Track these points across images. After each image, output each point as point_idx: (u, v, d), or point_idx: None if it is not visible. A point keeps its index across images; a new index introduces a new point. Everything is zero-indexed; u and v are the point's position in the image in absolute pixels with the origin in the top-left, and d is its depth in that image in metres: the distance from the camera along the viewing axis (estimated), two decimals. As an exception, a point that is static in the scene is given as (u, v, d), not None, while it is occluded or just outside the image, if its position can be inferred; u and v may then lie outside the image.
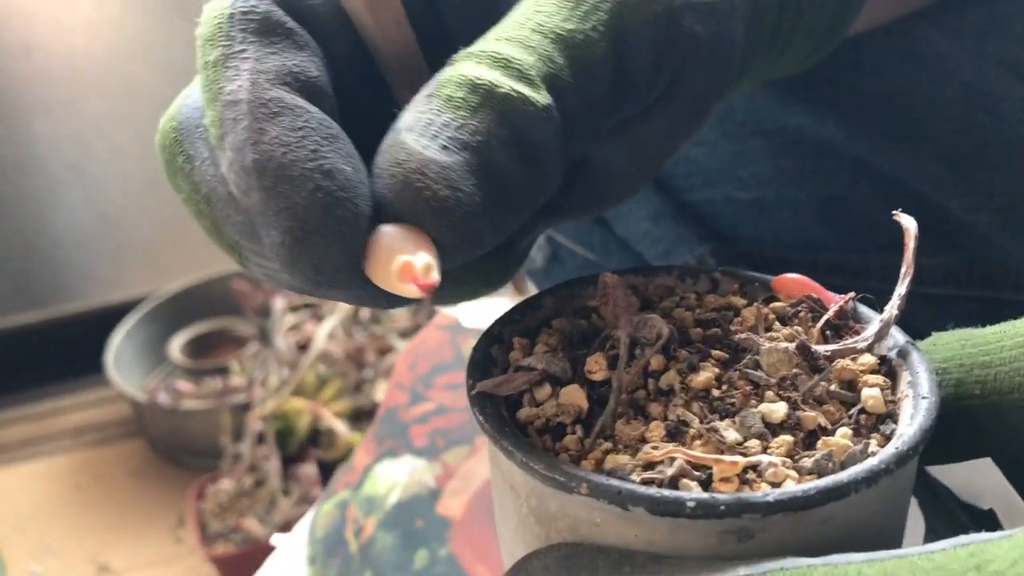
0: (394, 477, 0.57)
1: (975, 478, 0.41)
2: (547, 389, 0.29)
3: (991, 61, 0.54)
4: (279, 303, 1.29)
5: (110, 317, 1.55)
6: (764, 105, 0.57)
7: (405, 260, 0.25)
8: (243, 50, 0.27)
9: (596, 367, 0.29)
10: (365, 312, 1.24)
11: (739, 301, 0.32)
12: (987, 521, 0.39)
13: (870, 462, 0.25)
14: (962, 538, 0.23)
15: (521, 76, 0.28)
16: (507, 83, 0.27)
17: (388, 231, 0.26)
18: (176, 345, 1.52)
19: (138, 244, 1.64)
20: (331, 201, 0.26)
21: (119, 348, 1.49)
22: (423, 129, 0.26)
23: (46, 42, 1.49)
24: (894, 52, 0.55)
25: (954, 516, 0.40)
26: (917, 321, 0.32)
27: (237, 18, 0.28)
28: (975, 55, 0.54)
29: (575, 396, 0.28)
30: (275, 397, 1.21)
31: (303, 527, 0.59)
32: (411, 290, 0.25)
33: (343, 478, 0.60)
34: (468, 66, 0.27)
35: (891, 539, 0.27)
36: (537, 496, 0.26)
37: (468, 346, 0.63)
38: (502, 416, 0.28)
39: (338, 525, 0.58)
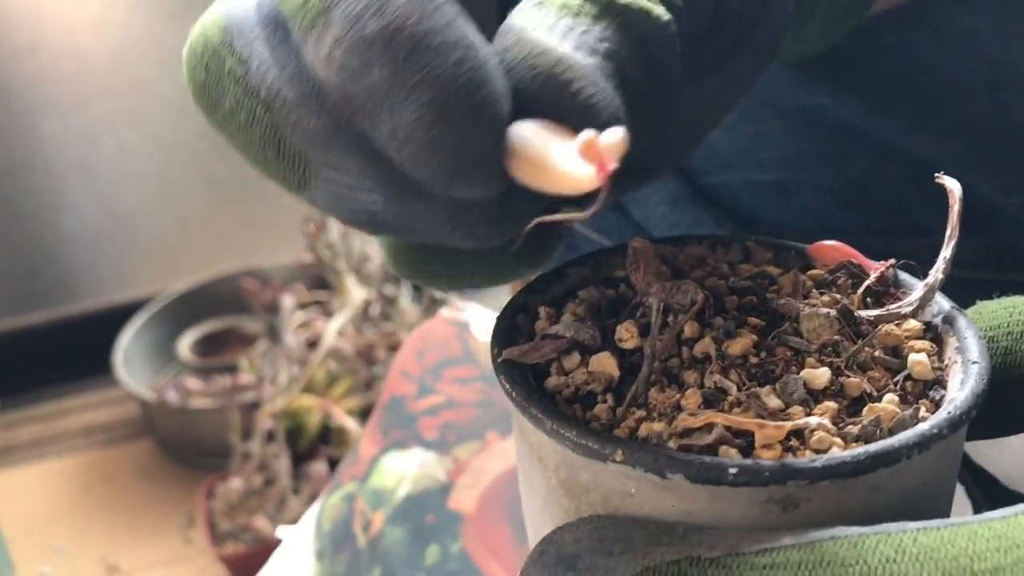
0: (403, 470, 0.56)
1: (1017, 465, 0.39)
2: (576, 357, 0.28)
3: (1017, 38, 0.52)
4: (288, 300, 1.28)
5: (118, 316, 1.55)
6: (784, 85, 0.56)
7: (591, 138, 0.22)
8: None
9: (627, 335, 0.27)
10: (375, 308, 1.24)
11: (774, 270, 0.31)
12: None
13: (921, 427, 0.24)
14: (1021, 507, 0.23)
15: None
16: None
17: (534, 125, 0.24)
18: (185, 344, 1.51)
19: (146, 243, 1.64)
20: (478, 75, 0.23)
21: (128, 348, 1.49)
22: (548, 30, 0.24)
23: (53, 41, 1.49)
24: (916, 30, 0.54)
25: (996, 504, 0.39)
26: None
27: None
28: (1000, 32, 0.53)
29: (606, 364, 0.27)
30: (285, 395, 1.20)
31: (309, 520, 0.58)
32: (589, 175, 0.22)
33: (348, 470, 0.59)
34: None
35: (941, 512, 0.26)
36: (567, 467, 0.25)
37: (477, 342, 0.62)
38: (530, 384, 0.26)
39: (345, 518, 0.57)
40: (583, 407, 0.27)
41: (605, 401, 0.26)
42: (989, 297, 0.31)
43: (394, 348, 1.23)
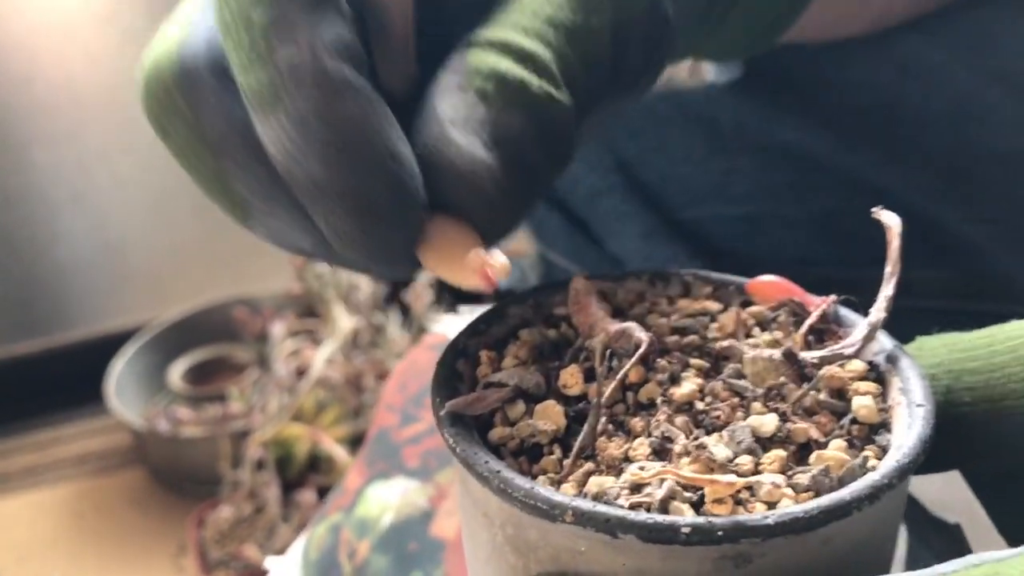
0: (386, 499, 0.57)
1: (942, 490, 0.40)
2: (520, 406, 0.27)
3: (981, 73, 0.54)
4: (278, 328, 1.29)
5: (111, 345, 1.55)
6: (753, 122, 0.57)
7: (481, 256, 0.26)
8: (294, 16, 0.27)
9: (572, 381, 0.27)
10: (364, 337, 1.24)
11: (713, 306, 0.31)
12: (953, 535, 0.38)
13: (871, 477, 0.24)
14: (972, 558, 0.23)
15: (545, 73, 0.28)
16: (535, 81, 0.28)
17: (446, 222, 0.27)
18: (176, 372, 1.52)
19: (139, 272, 1.64)
20: (399, 184, 0.26)
21: (120, 376, 1.49)
22: (464, 124, 0.27)
23: (47, 73, 1.50)
24: (884, 64, 0.55)
25: (924, 530, 0.40)
26: (913, 335, 0.31)
27: None
28: (966, 67, 0.54)
29: (552, 414, 0.27)
30: (274, 423, 1.21)
31: (296, 550, 0.59)
32: (480, 283, 0.26)
33: (336, 501, 0.60)
34: (493, 57, 0.28)
35: (887, 556, 0.26)
36: (515, 524, 0.25)
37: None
38: (474, 438, 0.26)
39: (331, 548, 0.58)
40: (529, 460, 0.26)
41: (552, 453, 0.26)
42: (956, 326, 0.31)
43: (382, 376, 1.24)
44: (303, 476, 1.23)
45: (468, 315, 0.60)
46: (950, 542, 0.40)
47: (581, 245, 0.63)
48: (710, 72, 0.58)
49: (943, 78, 0.54)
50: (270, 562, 0.61)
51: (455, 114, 0.27)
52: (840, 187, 0.56)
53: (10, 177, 1.53)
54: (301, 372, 1.26)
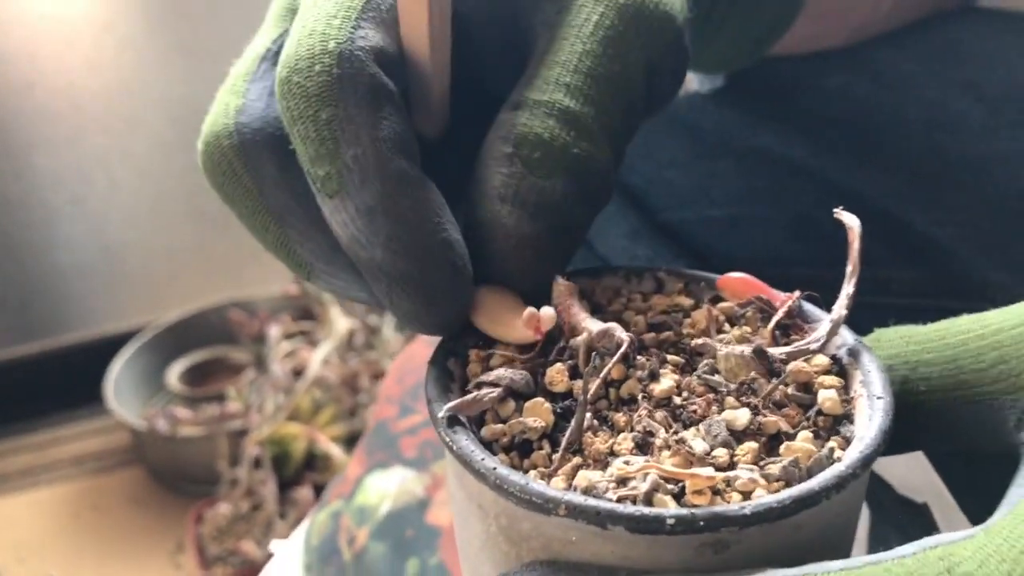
0: (385, 488, 0.59)
1: (909, 472, 0.42)
2: (511, 404, 0.28)
3: (952, 83, 0.56)
4: (274, 330, 1.31)
5: (109, 347, 1.57)
6: (734, 128, 0.59)
7: (529, 314, 0.29)
8: (357, 114, 0.29)
9: (558, 379, 0.29)
10: (359, 338, 1.26)
11: (685, 301, 0.33)
12: (921, 514, 0.40)
13: (838, 468, 0.25)
14: (929, 540, 0.24)
15: (587, 133, 0.31)
16: (580, 144, 0.31)
17: (493, 292, 0.30)
18: (174, 373, 1.53)
19: (137, 275, 1.65)
20: (454, 271, 0.29)
21: (118, 377, 1.51)
22: (514, 198, 0.30)
23: (47, 79, 1.52)
24: (858, 75, 0.57)
25: (892, 509, 0.42)
26: None
27: (347, 82, 0.29)
28: (936, 77, 0.56)
29: (540, 412, 0.28)
30: (271, 423, 1.22)
31: (299, 536, 0.61)
32: (531, 337, 0.29)
33: (336, 489, 0.62)
34: (538, 122, 0.30)
35: (851, 536, 0.28)
36: (508, 516, 0.26)
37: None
38: (470, 437, 0.27)
39: (332, 534, 0.60)
40: (520, 455, 0.27)
41: (541, 448, 0.27)
42: (926, 322, 0.31)
43: (377, 376, 1.25)
44: (299, 474, 1.24)
45: None
46: (918, 520, 0.42)
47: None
48: (694, 82, 0.60)
49: (914, 88, 0.56)
50: (274, 545, 0.63)
51: (504, 190, 0.30)
52: (816, 191, 0.57)
53: (10, 182, 1.54)
54: (298, 373, 1.27)
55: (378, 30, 0.31)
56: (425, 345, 0.65)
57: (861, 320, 0.44)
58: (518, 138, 0.30)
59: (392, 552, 0.58)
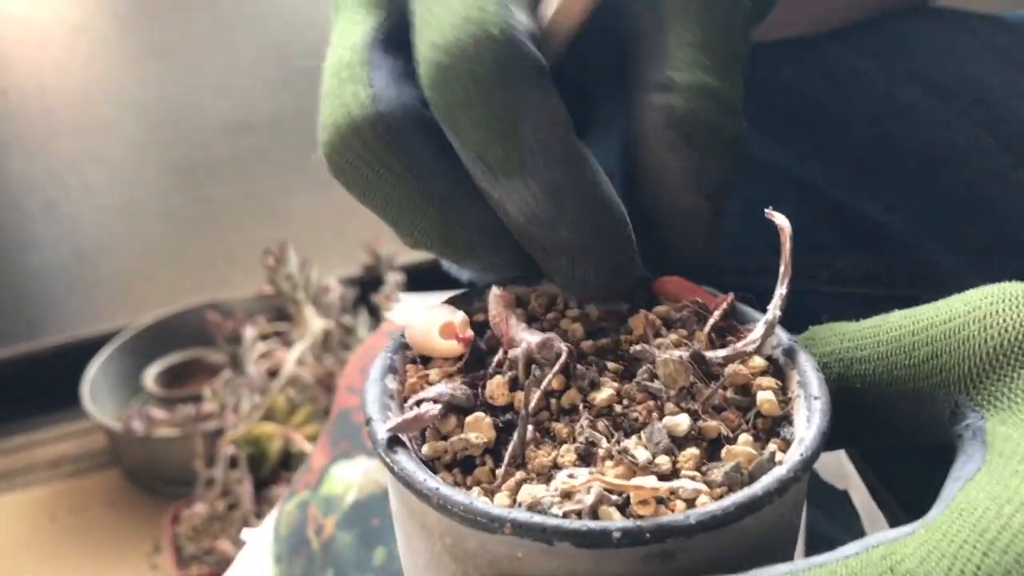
0: (349, 478, 0.60)
1: (829, 459, 0.43)
2: (452, 420, 0.28)
3: (901, 75, 0.57)
4: (250, 331, 1.31)
5: (85, 350, 1.56)
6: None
7: (447, 323, 0.30)
8: (533, 96, 0.30)
9: (498, 392, 0.28)
10: (334, 338, 1.27)
11: (622, 306, 0.33)
12: (843, 500, 0.41)
13: (779, 471, 0.25)
14: (870, 539, 0.24)
15: (735, 111, 0.32)
16: (732, 123, 0.32)
17: (424, 312, 0.31)
18: (150, 375, 1.53)
19: (112, 278, 1.65)
20: (631, 243, 0.31)
21: (94, 380, 1.50)
22: (687, 184, 0.32)
23: (20, 83, 1.51)
24: (809, 67, 0.58)
25: (819, 495, 0.43)
26: (840, 318, 0.33)
27: (516, 65, 0.30)
28: (886, 70, 0.57)
29: (482, 426, 0.28)
30: (247, 422, 1.22)
31: (268, 525, 0.62)
32: (457, 345, 0.30)
33: (303, 478, 0.63)
34: (695, 102, 0.32)
35: (795, 535, 0.28)
36: (453, 535, 0.26)
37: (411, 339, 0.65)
38: (411, 457, 0.27)
39: (300, 524, 0.61)
40: (462, 471, 0.27)
41: (484, 463, 0.27)
42: (880, 311, 0.32)
43: (352, 375, 1.26)
44: (275, 473, 1.25)
45: (416, 299, 0.63)
46: (842, 507, 0.43)
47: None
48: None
49: (862, 80, 0.57)
50: (246, 534, 0.64)
51: (682, 174, 0.31)
52: (770, 180, 0.58)
53: (-17, 186, 1.54)
54: (273, 373, 1.28)
55: (522, 10, 0.31)
56: (385, 337, 0.66)
57: (815, 308, 0.46)
58: (682, 121, 0.31)
59: (359, 541, 0.59)
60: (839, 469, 0.41)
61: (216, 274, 1.67)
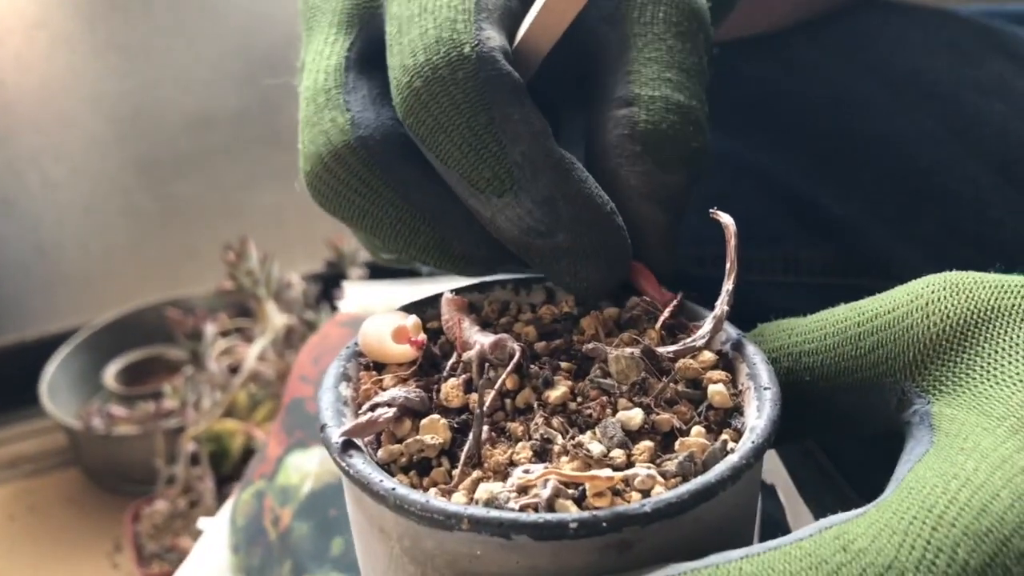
0: (305, 467, 0.60)
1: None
2: (407, 424, 0.28)
3: (859, 68, 0.58)
4: (211, 327, 1.31)
5: (43, 349, 1.55)
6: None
7: (400, 327, 0.30)
8: (512, 114, 0.30)
9: (453, 395, 0.29)
10: (296, 334, 1.27)
11: (575, 309, 0.34)
12: (772, 494, 0.42)
13: (731, 459, 0.26)
14: (823, 521, 0.25)
15: (699, 125, 0.34)
16: (696, 138, 0.33)
17: (376, 319, 0.31)
18: (110, 373, 1.52)
19: (71, 275, 1.64)
20: (624, 233, 0.31)
21: (53, 378, 1.49)
22: (649, 195, 0.32)
23: (-23, 78, 1.50)
24: (770, 61, 0.59)
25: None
26: (800, 310, 0.34)
27: (492, 84, 0.30)
28: (843, 62, 0.58)
29: (437, 429, 0.28)
30: (208, 419, 1.22)
31: (224, 514, 0.61)
32: (410, 350, 0.30)
33: (258, 468, 0.62)
34: (658, 116, 0.33)
35: (750, 523, 0.29)
36: (411, 536, 0.26)
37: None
38: (366, 460, 0.27)
39: (256, 514, 0.60)
40: (419, 473, 0.27)
41: (440, 465, 0.27)
42: (838, 301, 0.33)
43: (314, 371, 1.25)
44: (237, 470, 1.23)
45: (362, 288, 0.63)
46: (768, 501, 0.44)
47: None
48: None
49: (822, 73, 0.58)
50: (202, 523, 0.63)
51: (644, 188, 0.32)
52: (729, 172, 0.59)
53: (-59, 182, 1.53)
54: (234, 369, 1.27)
55: (494, 28, 0.31)
56: (339, 327, 0.66)
57: (772, 299, 0.46)
58: (644, 135, 0.32)
59: (316, 532, 0.59)
60: (768, 464, 0.42)
61: (177, 270, 1.66)
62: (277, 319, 1.26)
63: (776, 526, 0.44)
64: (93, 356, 1.56)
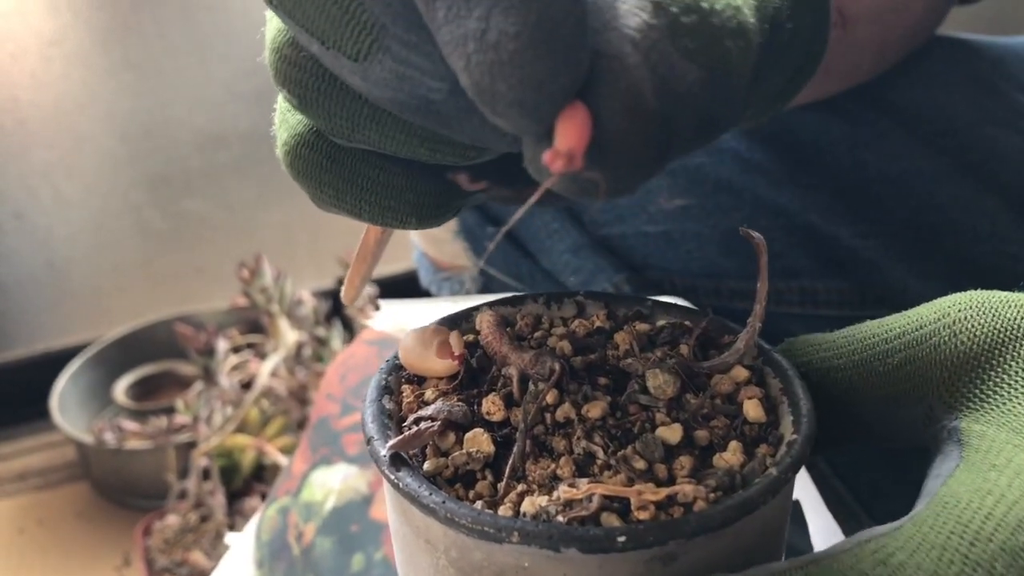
0: (329, 484, 0.61)
1: None
2: (451, 437, 0.29)
3: (873, 102, 0.59)
4: (222, 343, 1.32)
5: (54, 363, 1.56)
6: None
7: (443, 342, 0.30)
8: None
9: (494, 408, 0.29)
10: (307, 350, 1.28)
11: (607, 323, 0.34)
12: (796, 510, 0.42)
13: (771, 474, 0.26)
14: (861, 535, 0.25)
15: (744, 28, 0.25)
16: (735, 38, 0.25)
17: (416, 331, 0.31)
18: (121, 388, 1.53)
19: (83, 290, 1.65)
20: (580, 16, 0.22)
21: (64, 392, 1.50)
22: (648, 52, 0.23)
23: (-8, 94, 1.51)
24: None
25: None
26: None
27: None
28: (859, 98, 0.59)
29: (481, 442, 0.28)
30: (219, 434, 1.22)
31: (250, 530, 0.63)
32: (452, 363, 0.30)
33: (283, 484, 0.64)
34: None
35: (782, 535, 0.29)
36: (459, 548, 0.26)
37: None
38: (415, 473, 0.27)
39: (281, 530, 0.62)
40: (464, 486, 0.27)
41: (484, 478, 0.27)
42: None
43: (326, 388, 1.26)
44: (248, 485, 1.25)
45: (397, 307, 0.64)
46: (794, 515, 0.45)
47: (517, 260, 0.66)
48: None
49: (838, 109, 0.59)
50: (230, 538, 0.65)
51: (639, 35, 0.23)
52: (746, 207, 0.59)
53: (-45, 197, 1.53)
54: (246, 385, 1.28)
55: None
56: (365, 345, 0.67)
57: (791, 329, 0.47)
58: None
59: (338, 547, 0.60)
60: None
61: (187, 287, 1.67)
62: (289, 336, 1.27)
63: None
64: (103, 371, 1.56)
